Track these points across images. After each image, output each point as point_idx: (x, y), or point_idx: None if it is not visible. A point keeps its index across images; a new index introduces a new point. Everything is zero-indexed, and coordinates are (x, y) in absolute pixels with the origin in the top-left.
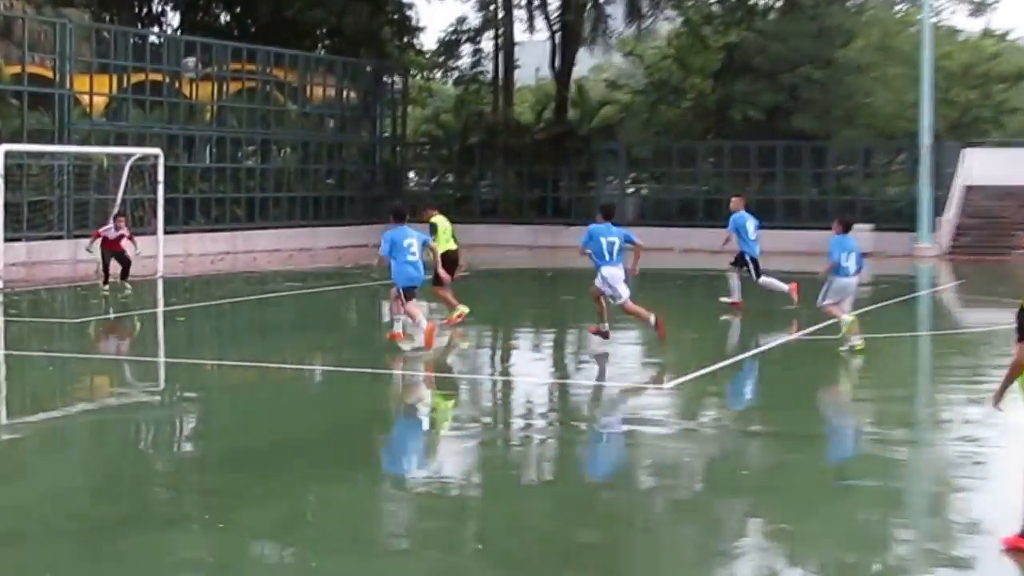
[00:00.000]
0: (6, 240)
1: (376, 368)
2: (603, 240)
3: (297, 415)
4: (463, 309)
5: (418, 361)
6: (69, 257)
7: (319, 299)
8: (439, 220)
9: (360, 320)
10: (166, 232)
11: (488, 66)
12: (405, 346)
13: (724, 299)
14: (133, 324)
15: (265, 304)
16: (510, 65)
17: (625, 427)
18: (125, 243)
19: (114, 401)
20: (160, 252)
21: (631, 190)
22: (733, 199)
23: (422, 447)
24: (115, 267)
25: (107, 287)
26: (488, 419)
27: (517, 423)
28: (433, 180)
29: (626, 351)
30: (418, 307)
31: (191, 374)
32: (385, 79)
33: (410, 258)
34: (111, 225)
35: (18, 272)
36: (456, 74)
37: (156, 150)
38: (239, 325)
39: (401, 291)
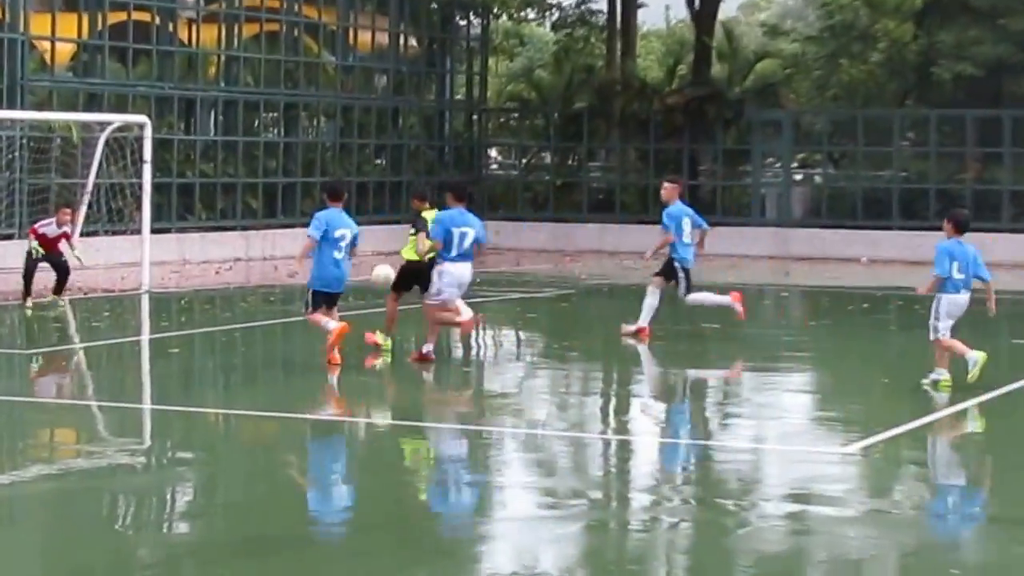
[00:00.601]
0: None
1: (441, 422)
2: (455, 231)
3: (335, 484)
4: (382, 339)
5: (502, 412)
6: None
7: (363, 324)
8: (432, 216)
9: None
10: (154, 231)
11: (601, 3)
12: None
13: (628, 326)
14: (108, 356)
15: (289, 331)
16: (631, 3)
17: (791, 507)
18: (63, 245)
19: (82, 463)
20: (145, 258)
21: (799, 176)
22: (665, 186)
23: (509, 532)
24: (46, 277)
25: (30, 304)
26: (598, 494)
27: (639, 500)
28: (523, 161)
29: (793, 401)
30: (326, 318)
31: (187, 426)
32: (458, 20)
33: (336, 255)
34: (51, 220)
35: None
36: (556, 15)
37: (141, 117)
38: (253, 360)
39: (310, 296)
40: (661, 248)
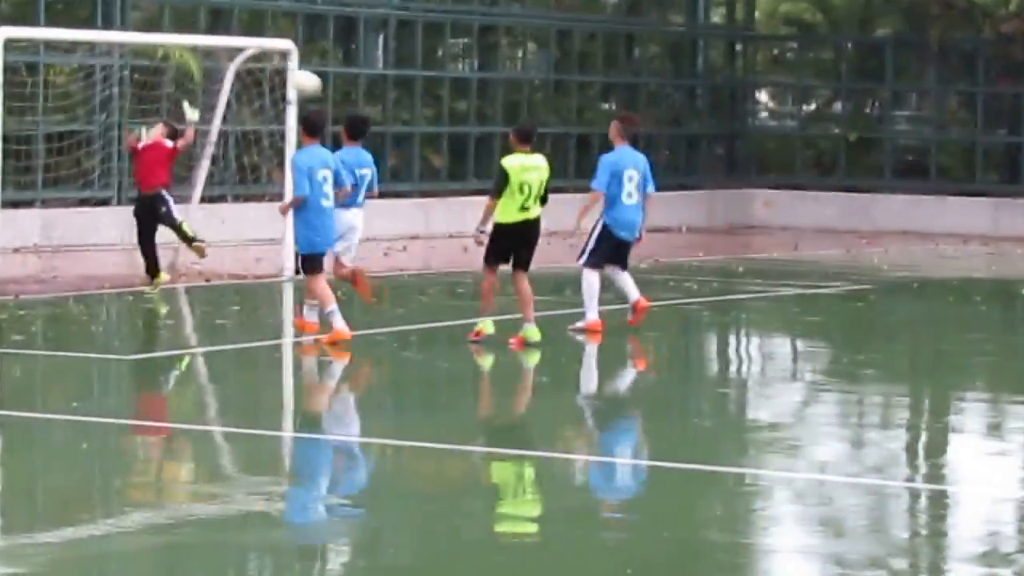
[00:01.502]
0: (5, 205)
1: (690, 461)
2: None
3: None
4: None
5: (772, 450)
6: (122, 236)
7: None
8: (513, 163)
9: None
10: None
11: None
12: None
13: (577, 324)
14: (236, 364)
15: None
16: None
17: None
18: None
19: (202, 509)
20: (289, 234)
21: None
22: (613, 124)
23: None
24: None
25: (154, 286)
26: (903, 563)
27: (957, 573)
28: (805, 108)
29: None
30: (327, 288)
31: (345, 461)
32: None
33: (324, 203)
34: (152, 134)
35: (28, 263)
36: None
37: (285, 43)
38: (433, 375)
39: (301, 260)
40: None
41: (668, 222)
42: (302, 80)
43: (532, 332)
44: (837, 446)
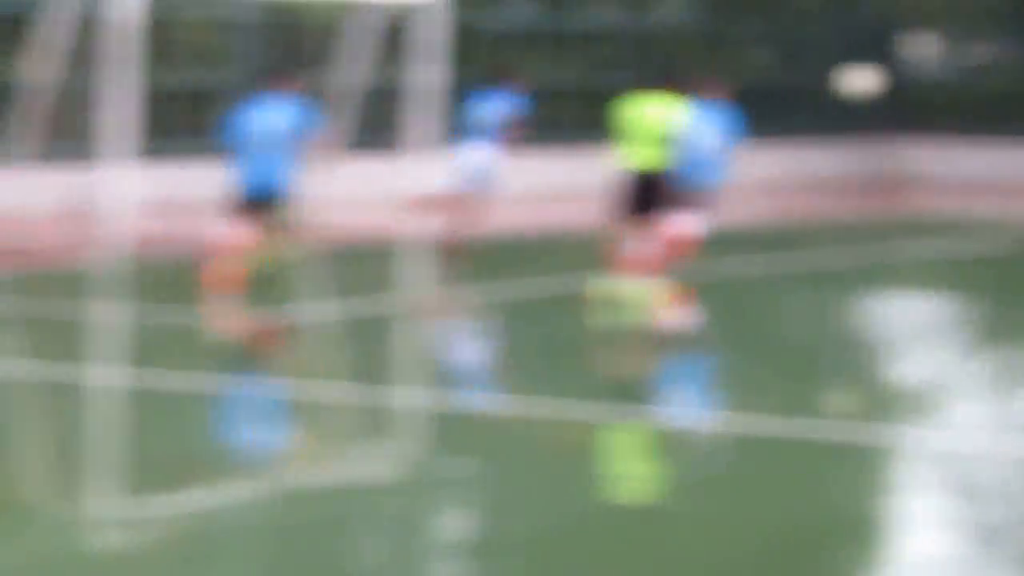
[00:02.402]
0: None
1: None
2: None
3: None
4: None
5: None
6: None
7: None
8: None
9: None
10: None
11: None
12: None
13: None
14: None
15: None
16: None
17: None
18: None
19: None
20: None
21: None
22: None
23: None
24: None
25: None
26: None
27: None
28: (965, 64)
29: None
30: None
31: (464, 430)
32: None
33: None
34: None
35: (147, 226)
36: None
37: None
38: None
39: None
40: None
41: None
42: (856, 80)
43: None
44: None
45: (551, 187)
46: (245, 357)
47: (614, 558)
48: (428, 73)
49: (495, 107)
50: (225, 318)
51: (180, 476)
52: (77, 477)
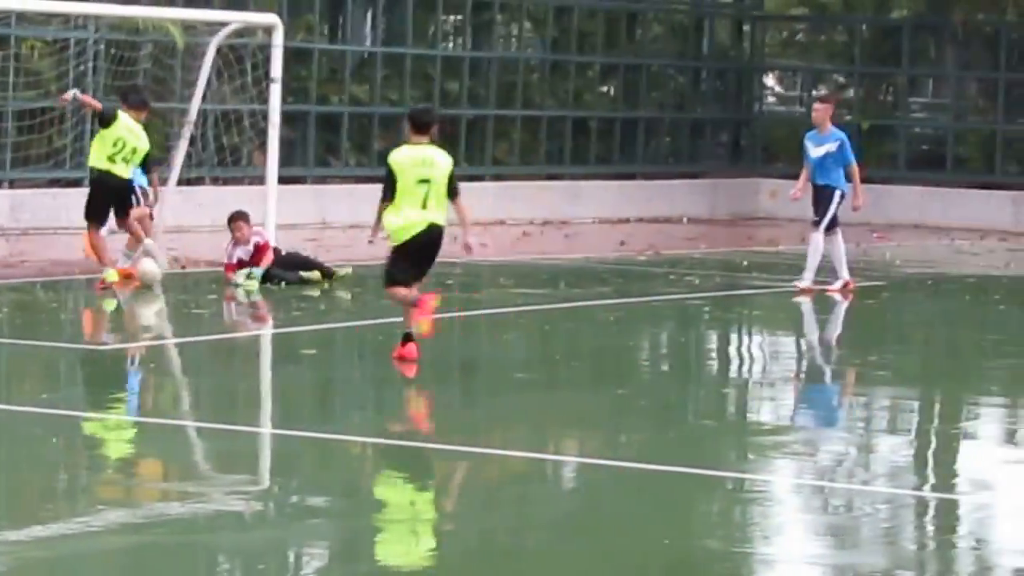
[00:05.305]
0: None
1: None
2: None
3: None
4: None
5: (775, 455)
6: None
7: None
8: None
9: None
10: (283, 180)
11: None
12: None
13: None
14: (192, 358)
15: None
16: None
17: None
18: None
19: (175, 508)
20: (270, 218)
21: None
22: (819, 105)
23: None
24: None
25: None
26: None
27: None
28: (814, 94)
29: None
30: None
31: (320, 456)
32: None
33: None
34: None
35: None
36: None
37: (270, 17)
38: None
39: None
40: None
41: (669, 212)
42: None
43: None
44: (844, 451)
45: None
46: None
47: None
48: (272, 97)
49: None
50: None
51: None
52: None
